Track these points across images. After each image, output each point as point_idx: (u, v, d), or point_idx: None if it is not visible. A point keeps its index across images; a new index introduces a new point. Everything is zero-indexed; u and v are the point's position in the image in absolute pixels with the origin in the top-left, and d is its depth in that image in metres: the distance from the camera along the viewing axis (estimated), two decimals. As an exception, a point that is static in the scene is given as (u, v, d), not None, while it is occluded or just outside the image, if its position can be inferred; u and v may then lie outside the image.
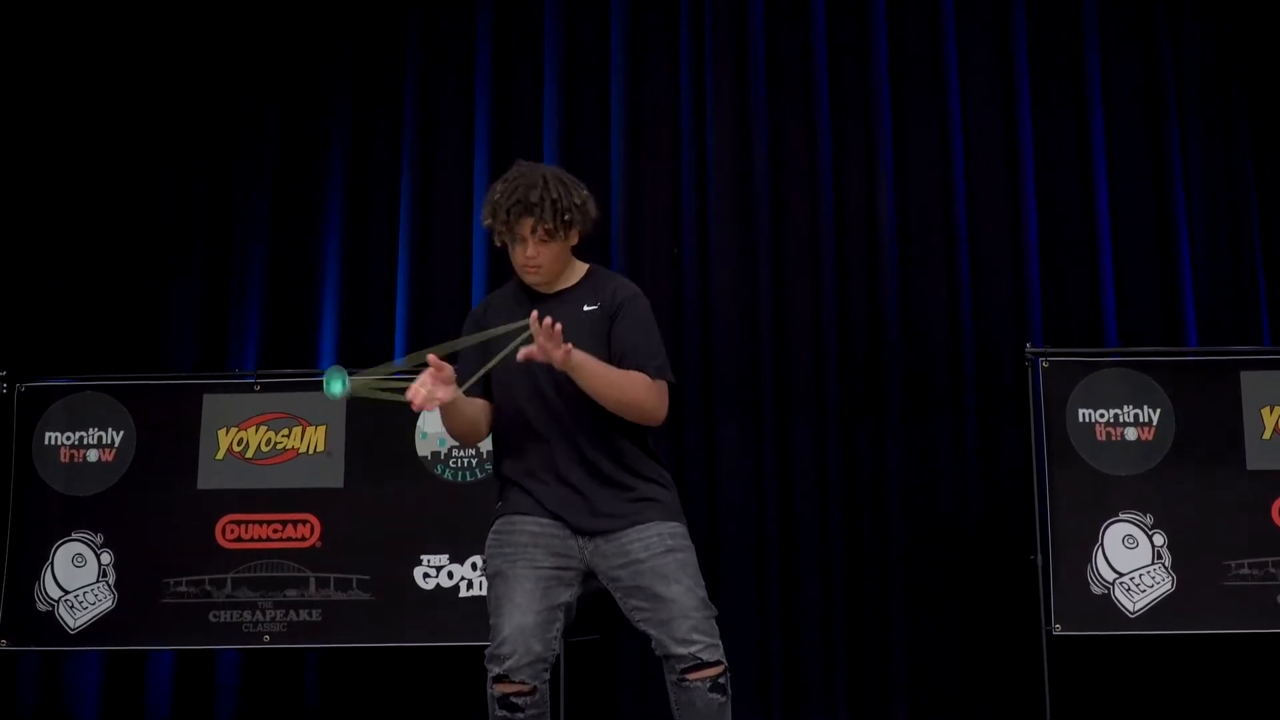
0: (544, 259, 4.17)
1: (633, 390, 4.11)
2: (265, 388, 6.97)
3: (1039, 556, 6.66)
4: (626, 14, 7.76)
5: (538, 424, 4.18)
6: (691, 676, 4.06)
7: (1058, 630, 6.58)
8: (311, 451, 6.88)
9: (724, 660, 4.11)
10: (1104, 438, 6.79)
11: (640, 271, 7.54)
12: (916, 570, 7.29)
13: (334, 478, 6.86)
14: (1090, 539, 6.68)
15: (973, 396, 7.40)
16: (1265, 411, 6.79)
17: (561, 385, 4.14)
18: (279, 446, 6.88)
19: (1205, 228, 7.56)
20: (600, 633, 7.06)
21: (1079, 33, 7.72)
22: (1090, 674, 7.06)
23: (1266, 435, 6.75)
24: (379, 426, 6.88)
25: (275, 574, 6.76)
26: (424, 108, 7.78)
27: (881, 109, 7.64)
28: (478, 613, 6.56)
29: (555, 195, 4.12)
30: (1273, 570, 6.63)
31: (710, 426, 7.45)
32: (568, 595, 4.15)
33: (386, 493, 6.83)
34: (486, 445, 6.60)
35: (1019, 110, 7.62)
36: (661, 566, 4.10)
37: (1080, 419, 6.79)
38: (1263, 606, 6.59)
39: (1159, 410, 6.78)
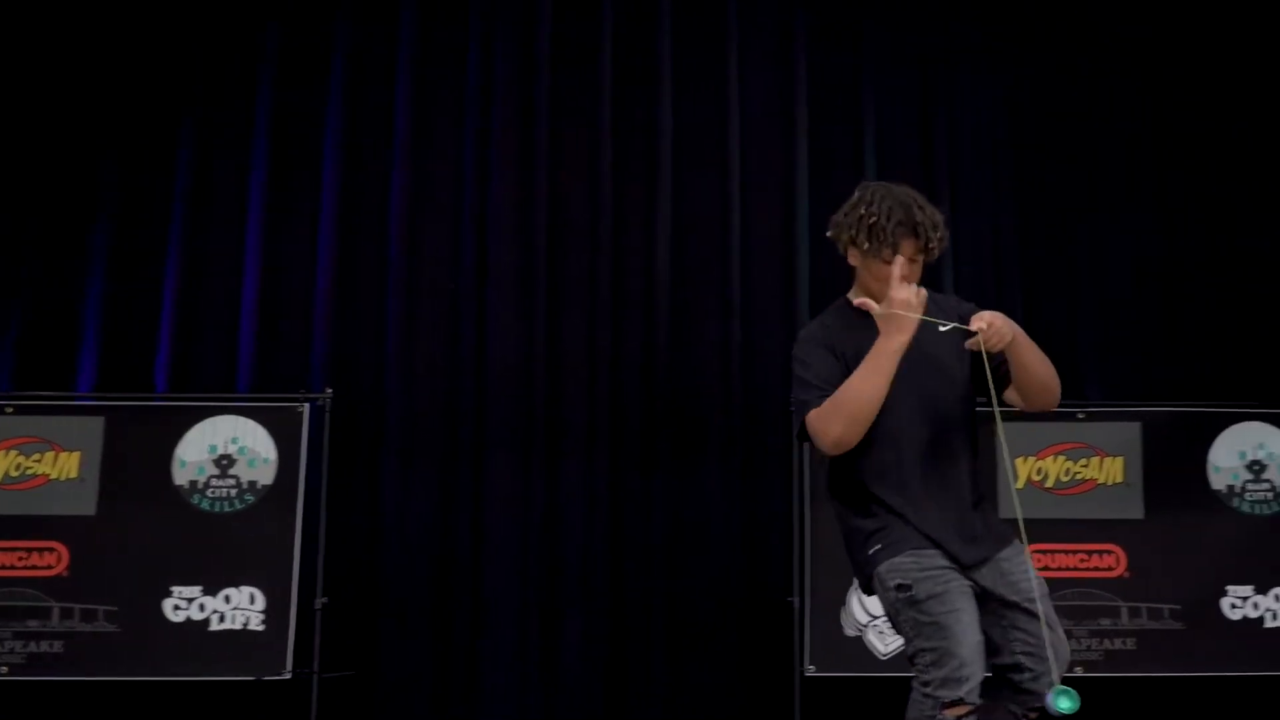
0: (913, 279, 4.17)
1: (1050, 368, 4.21)
2: (18, 410, 6.87)
3: (797, 599, 6.83)
4: (415, 54, 7.86)
5: (921, 445, 4.16)
6: (1033, 715, 4.17)
7: (811, 671, 6.78)
8: (63, 478, 6.79)
9: None
10: (863, 483, 6.99)
11: (418, 307, 7.61)
12: (678, 612, 7.48)
13: (86, 505, 6.80)
14: (846, 582, 6.89)
15: (740, 440, 7.61)
16: (1019, 462, 7.05)
17: (947, 402, 4.18)
18: (29, 471, 6.81)
19: (971, 281, 7.86)
20: (355, 670, 7.07)
21: (857, 92, 8.09)
22: (842, 715, 7.24)
23: (1019, 485, 7.00)
24: (136, 454, 6.85)
25: (16, 603, 6.67)
26: (200, 149, 7.79)
27: (663, 154, 7.88)
28: (229, 646, 6.58)
29: (930, 213, 4.17)
30: (1019, 616, 6.88)
31: (480, 463, 7.54)
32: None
33: (140, 521, 6.83)
34: (248, 474, 6.76)
35: (795, 161, 7.94)
36: (1051, 611, 4.14)
37: (840, 464, 6.99)
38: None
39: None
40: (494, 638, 7.37)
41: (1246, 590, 7.25)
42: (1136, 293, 8.05)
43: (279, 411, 6.98)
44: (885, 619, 6.77)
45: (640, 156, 7.88)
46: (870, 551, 4.13)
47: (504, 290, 7.69)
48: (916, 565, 4.04)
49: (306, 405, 6.99)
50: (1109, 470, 7.17)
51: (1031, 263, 8.00)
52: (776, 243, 7.90)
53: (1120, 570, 7.13)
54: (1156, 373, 7.86)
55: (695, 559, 7.52)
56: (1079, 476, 7.15)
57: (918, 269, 4.14)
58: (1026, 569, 4.13)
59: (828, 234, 4.29)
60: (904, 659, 6.64)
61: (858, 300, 4.16)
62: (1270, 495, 7.32)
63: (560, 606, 7.44)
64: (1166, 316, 8.08)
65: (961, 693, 3.95)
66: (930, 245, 4.10)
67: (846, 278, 7.75)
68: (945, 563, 4.05)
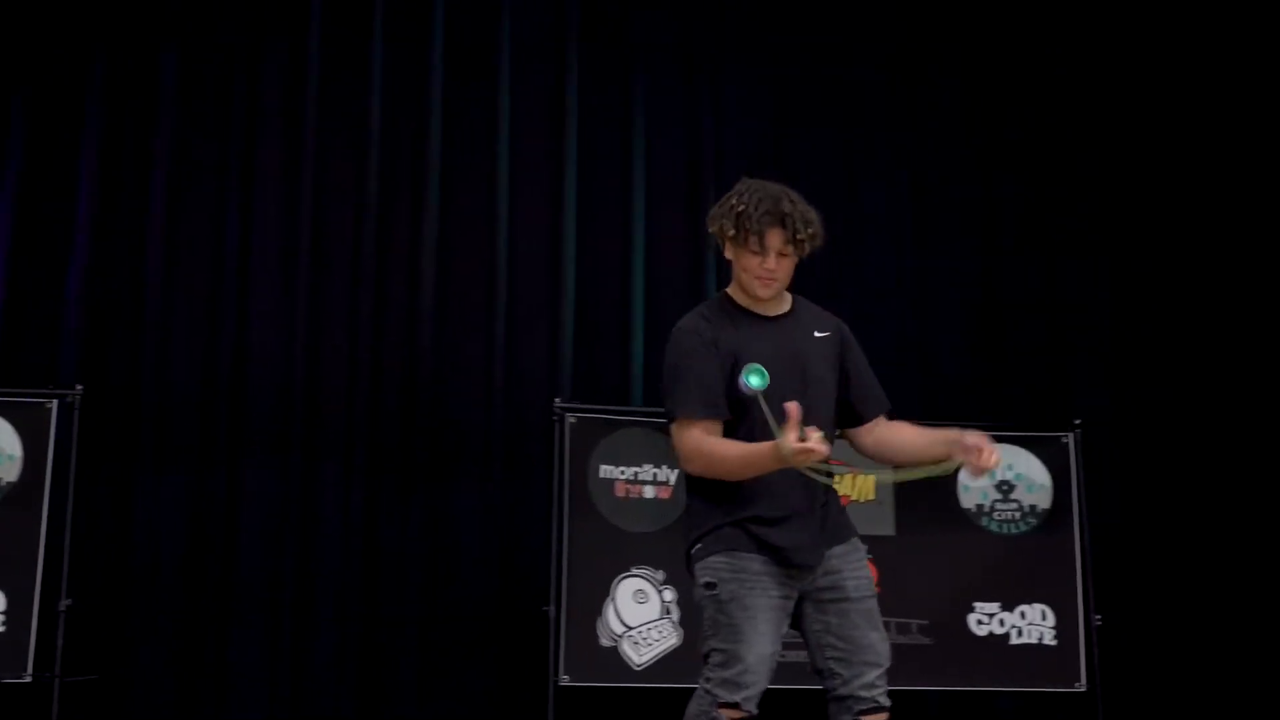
0: (781, 272, 4.23)
1: None
2: None
3: (553, 608, 6.88)
4: (181, 50, 7.74)
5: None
6: (868, 719, 4.17)
7: (565, 681, 6.83)
8: None
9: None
10: (623, 494, 7.12)
11: (175, 305, 7.51)
12: (434, 620, 7.50)
13: None
14: (602, 593, 6.99)
15: (500, 449, 7.66)
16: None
17: (814, 408, 4.18)
18: None
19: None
20: (99, 674, 6.94)
21: (628, 101, 8.18)
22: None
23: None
24: None
25: None
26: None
27: (430, 159, 7.89)
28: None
29: (801, 209, 4.19)
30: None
31: (235, 472, 7.48)
32: (786, 626, 4.19)
33: None
34: None
35: (565, 171, 8.04)
36: (869, 611, 4.21)
37: (601, 475, 7.10)
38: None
39: (678, 470, 7.11)
40: (244, 643, 7.30)
41: (993, 607, 7.49)
42: (893, 310, 8.28)
43: (26, 407, 6.83)
44: (641, 629, 6.95)
45: (407, 161, 7.90)
46: (693, 549, 4.22)
47: (265, 291, 7.63)
48: (728, 566, 4.12)
49: (55, 402, 6.84)
50: (861, 487, 7.35)
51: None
52: (542, 252, 7.98)
53: (871, 585, 7.30)
54: (908, 393, 8.07)
55: (452, 567, 7.55)
56: (832, 493, 7.30)
57: (788, 263, 4.22)
58: (857, 568, 4.24)
59: (709, 229, 4.33)
60: (656, 670, 6.85)
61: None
62: (1018, 515, 7.57)
63: (314, 613, 7.39)
64: (921, 336, 8.33)
65: (738, 697, 4.04)
66: (799, 238, 4.17)
67: (615, 288, 7.92)
68: (764, 569, 4.12)
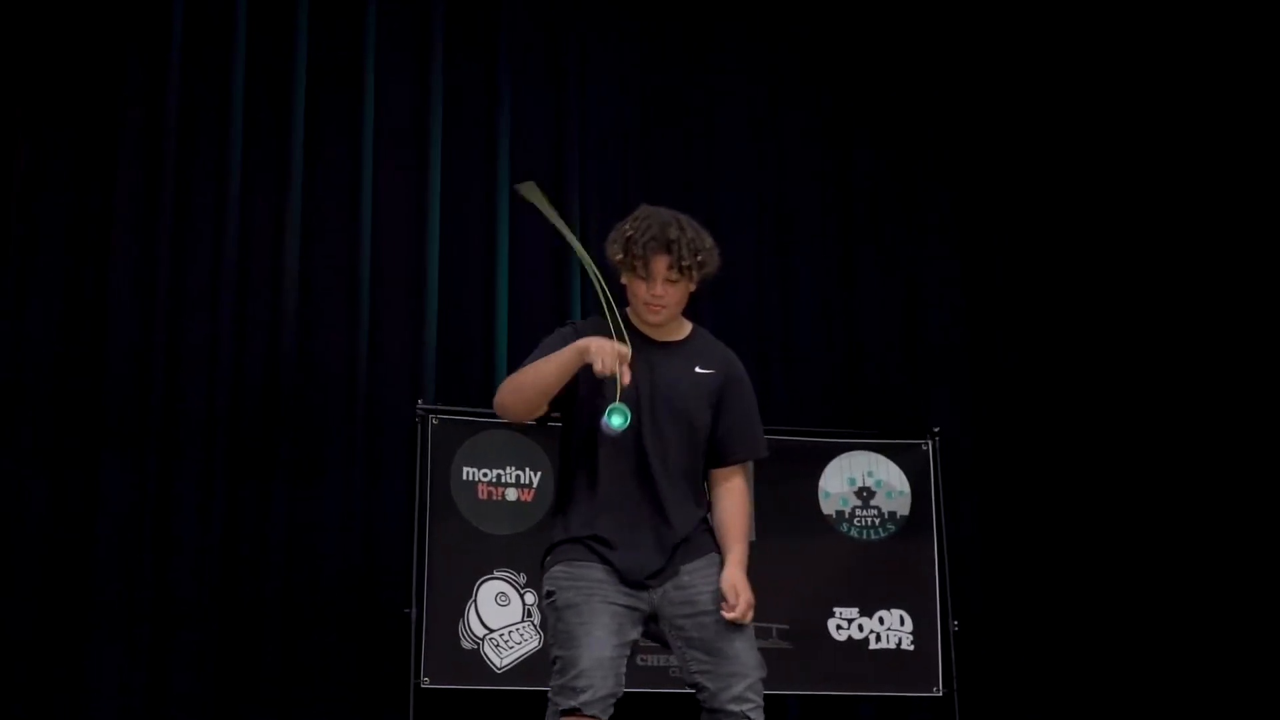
0: (670, 299, 4.30)
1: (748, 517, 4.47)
2: None
3: (414, 610, 6.88)
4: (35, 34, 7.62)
5: (625, 481, 4.26)
6: None
7: (426, 684, 6.84)
8: None
9: None
10: (485, 496, 7.16)
11: (29, 297, 7.37)
12: (294, 622, 7.43)
13: None
14: (464, 595, 7.02)
15: (362, 450, 7.64)
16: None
17: (677, 432, 4.28)
18: None
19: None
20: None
21: (493, 102, 8.25)
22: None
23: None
24: None
25: None
26: None
27: (292, 155, 7.84)
28: None
29: (690, 236, 4.25)
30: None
31: (91, 468, 7.33)
32: (635, 634, 4.23)
33: None
34: None
35: (429, 172, 8.07)
36: (727, 621, 4.20)
37: (464, 477, 7.13)
38: (639, 667, 6.97)
39: (540, 473, 7.22)
40: (101, 649, 7.16)
41: (852, 613, 7.61)
42: (753, 315, 8.38)
43: None
44: (503, 632, 6.97)
45: (270, 158, 7.83)
46: (543, 562, 4.33)
47: (122, 287, 7.49)
48: (567, 575, 4.20)
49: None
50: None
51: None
52: (405, 253, 7.98)
53: (732, 591, 7.37)
54: (769, 397, 8.18)
55: (313, 569, 7.47)
56: (692, 500, 7.36)
57: (677, 290, 4.30)
58: (709, 579, 4.27)
59: (607, 256, 4.39)
60: (517, 673, 6.89)
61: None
62: (877, 521, 7.70)
63: (172, 616, 7.27)
64: (783, 343, 8.44)
65: (576, 702, 4.05)
66: (685, 265, 4.24)
67: (478, 290, 7.95)
68: (604, 576, 4.19)
